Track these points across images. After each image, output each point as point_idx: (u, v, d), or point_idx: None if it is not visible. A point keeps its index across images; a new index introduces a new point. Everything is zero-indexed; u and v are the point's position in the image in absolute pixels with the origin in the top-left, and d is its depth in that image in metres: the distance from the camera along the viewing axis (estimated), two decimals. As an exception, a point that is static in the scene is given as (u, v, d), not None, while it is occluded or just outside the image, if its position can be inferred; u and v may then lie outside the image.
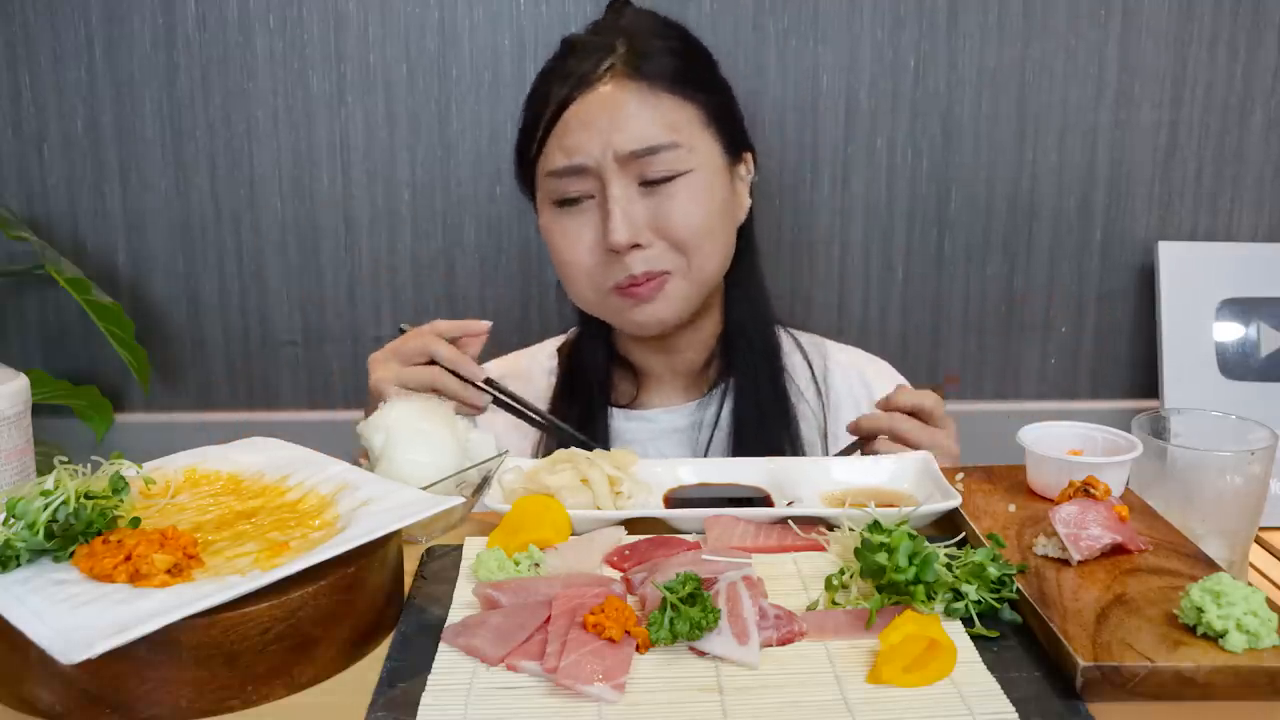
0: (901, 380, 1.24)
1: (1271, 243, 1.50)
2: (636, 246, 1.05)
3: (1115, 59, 1.45)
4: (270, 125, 1.44)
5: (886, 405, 1.01)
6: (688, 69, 1.09)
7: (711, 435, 1.16)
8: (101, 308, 1.33)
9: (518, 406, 1.05)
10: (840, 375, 1.21)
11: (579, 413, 1.16)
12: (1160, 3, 1.44)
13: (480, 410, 1.00)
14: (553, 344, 1.26)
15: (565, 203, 1.08)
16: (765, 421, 1.14)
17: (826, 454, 1.17)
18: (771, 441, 1.13)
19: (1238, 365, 1.46)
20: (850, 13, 1.43)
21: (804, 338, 1.23)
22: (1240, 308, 1.47)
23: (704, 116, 1.08)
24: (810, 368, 1.20)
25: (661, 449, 1.17)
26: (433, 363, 0.98)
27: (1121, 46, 1.44)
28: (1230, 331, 1.47)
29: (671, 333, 1.14)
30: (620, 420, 1.18)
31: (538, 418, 1.07)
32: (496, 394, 1.03)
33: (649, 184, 1.05)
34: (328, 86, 1.43)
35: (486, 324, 1.01)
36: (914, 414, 0.99)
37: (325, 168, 1.45)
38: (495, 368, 1.25)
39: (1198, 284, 1.47)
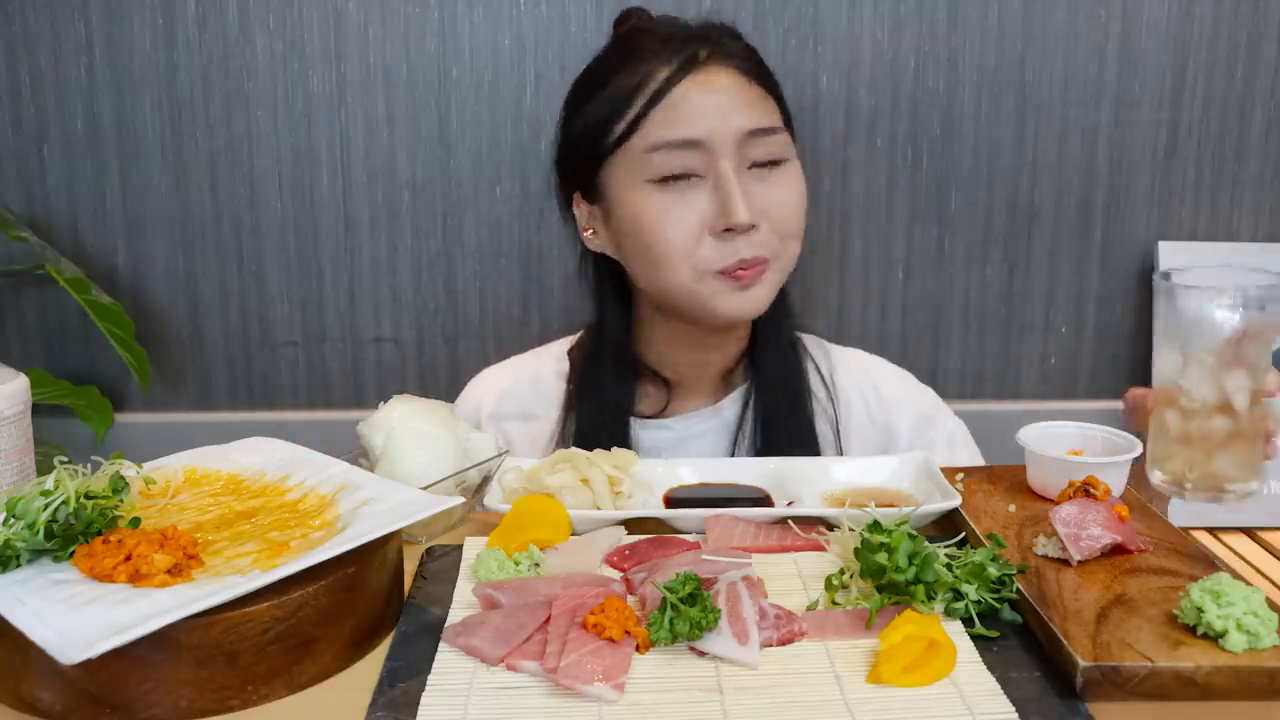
0: (904, 373, 1.23)
1: (1271, 243, 1.50)
2: (751, 228, 1.04)
3: (1115, 59, 1.45)
4: (270, 125, 1.43)
5: None
6: (763, 66, 1.10)
7: (736, 437, 1.14)
8: (101, 308, 1.33)
9: None
10: (845, 373, 1.20)
11: (599, 418, 1.13)
12: (1160, 3, 1.44)
13: None
14: (560, 346, 1.22)
15: (669, 180, 1.04)
16: (789, 420, 1.13)
17: (841, 451, 1.16)
18: (795, 440, 1.12)
19: (1238, 365, 1.46)
20: (850, 13, 1.43)
21: (806, 338, 1.23)
22: (1240, 308, 1.47)
23: (781, 113, 1.09)
24: (817, 367, 1.19)
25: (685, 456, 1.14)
26: None
27: (1121, 46, 1.44)
28: (1230, 331, 1.46)
29: (721, 330, 1.12)
30: (637, 429, 1.15)
31: None
32: None
33: (756, 166, 1.05)
34: (328, 86, 1.43)
35: None
36: None
37: (325, 168, 1.45)
38: (497, 376, 1.22)
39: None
